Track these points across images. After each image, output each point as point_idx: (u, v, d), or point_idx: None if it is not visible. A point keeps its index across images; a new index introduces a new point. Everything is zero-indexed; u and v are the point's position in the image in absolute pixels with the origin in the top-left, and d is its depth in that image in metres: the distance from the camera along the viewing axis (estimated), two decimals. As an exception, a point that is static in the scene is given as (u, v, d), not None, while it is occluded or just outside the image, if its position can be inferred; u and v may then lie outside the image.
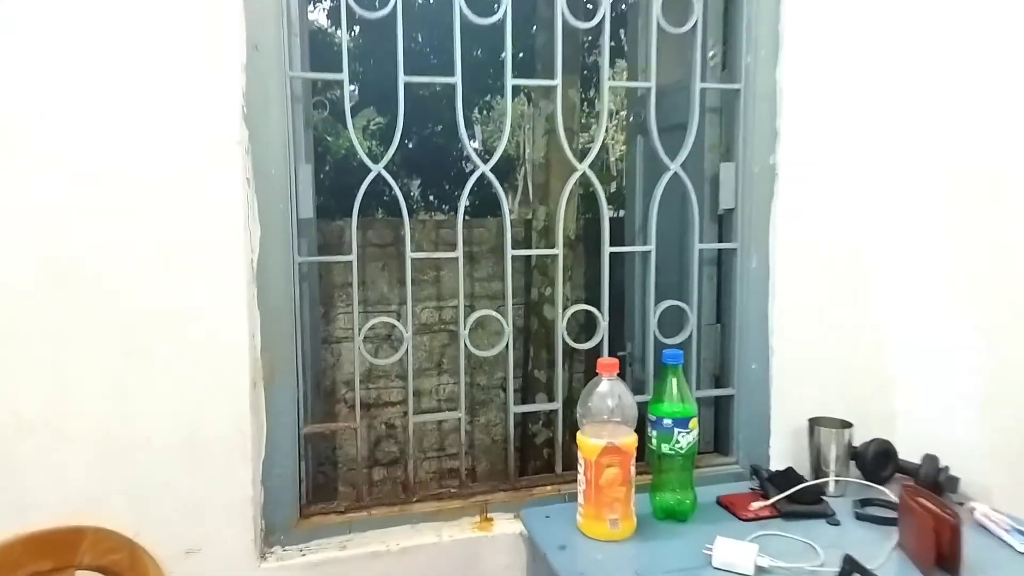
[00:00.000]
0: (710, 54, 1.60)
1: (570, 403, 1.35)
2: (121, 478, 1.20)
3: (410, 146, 8.61)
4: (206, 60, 1.19)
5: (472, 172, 1.42)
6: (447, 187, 8.67)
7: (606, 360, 1.23)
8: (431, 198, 8.83)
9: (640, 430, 1.24)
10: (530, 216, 3.78)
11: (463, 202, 1.44)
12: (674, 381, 1.29)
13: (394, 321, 1.48)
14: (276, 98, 1.26)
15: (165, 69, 1.17)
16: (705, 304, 1.65)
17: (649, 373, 1.55)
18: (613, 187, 6.13)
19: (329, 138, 8.73)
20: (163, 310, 1.19)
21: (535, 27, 3.36)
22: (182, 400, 1.21)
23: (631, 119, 2.19)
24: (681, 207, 1.79)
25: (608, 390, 1.21)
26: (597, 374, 1.23)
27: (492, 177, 1.43)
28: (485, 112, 9.77)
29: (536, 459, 3.55)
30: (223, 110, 1.20)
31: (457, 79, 1.38)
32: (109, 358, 1.18)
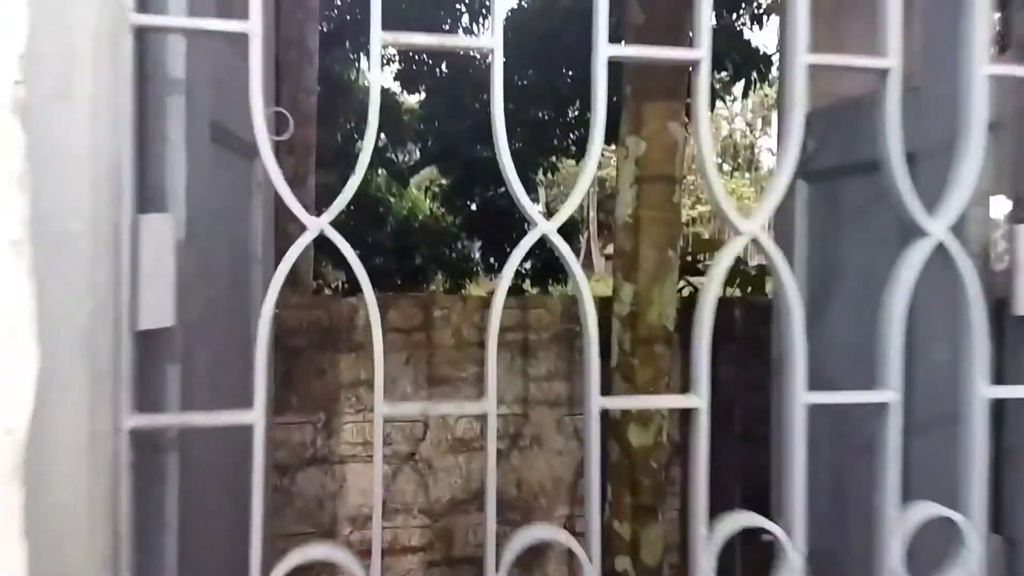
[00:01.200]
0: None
1: None
2: None
3: (473, 207, 8.86)
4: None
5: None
6: (508, 250, 8.66)
7: None
8: (491, 260, 8.90)
9: None
10: (610, 294, 3.08)
11: (499, 298, 0.78)
12: None
13: (355, 569, 0.76)
14: (96, 69, 0.64)
15: None
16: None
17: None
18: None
19: (392, 198, 8.69)
20: None
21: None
22: None
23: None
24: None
25: None
26: None
27: (558, 241, 0.78)
28: (550, 174, 9.33)
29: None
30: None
31: (497, 42, 0.75)
32: None
